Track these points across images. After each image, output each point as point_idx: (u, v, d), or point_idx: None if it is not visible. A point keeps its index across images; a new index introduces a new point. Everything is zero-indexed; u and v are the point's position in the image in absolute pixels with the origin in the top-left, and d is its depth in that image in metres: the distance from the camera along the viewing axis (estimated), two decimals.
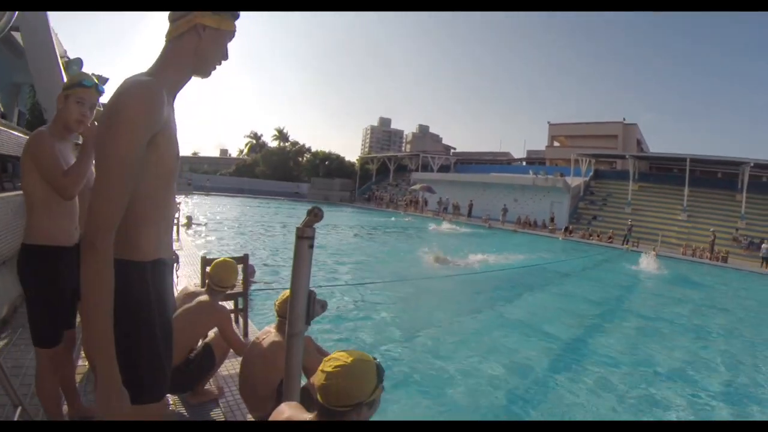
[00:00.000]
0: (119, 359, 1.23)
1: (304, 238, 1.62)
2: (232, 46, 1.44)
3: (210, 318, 2.82)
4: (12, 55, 9.00)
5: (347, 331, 5.85)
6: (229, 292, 4.19)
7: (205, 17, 1.32)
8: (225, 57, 1.41)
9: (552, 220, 26.91)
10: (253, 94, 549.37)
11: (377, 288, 8.28)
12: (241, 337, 4.03)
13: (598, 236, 22.81)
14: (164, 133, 1.25)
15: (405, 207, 34.68)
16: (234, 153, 62.51)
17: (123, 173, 1.17)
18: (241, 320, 4.35)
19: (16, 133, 4.35)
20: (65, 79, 3.67)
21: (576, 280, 11.97)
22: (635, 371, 5.22)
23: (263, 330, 2.68)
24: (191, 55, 1.34)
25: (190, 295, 3.07)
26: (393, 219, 27.34)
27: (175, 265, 1.49)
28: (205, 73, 1.40)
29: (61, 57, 8.16)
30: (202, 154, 62.99)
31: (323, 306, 1.68)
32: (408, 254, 12.69)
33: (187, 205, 21.86)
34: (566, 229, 24.74)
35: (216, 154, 70.63)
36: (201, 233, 13.26)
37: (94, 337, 1.17)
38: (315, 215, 1.57)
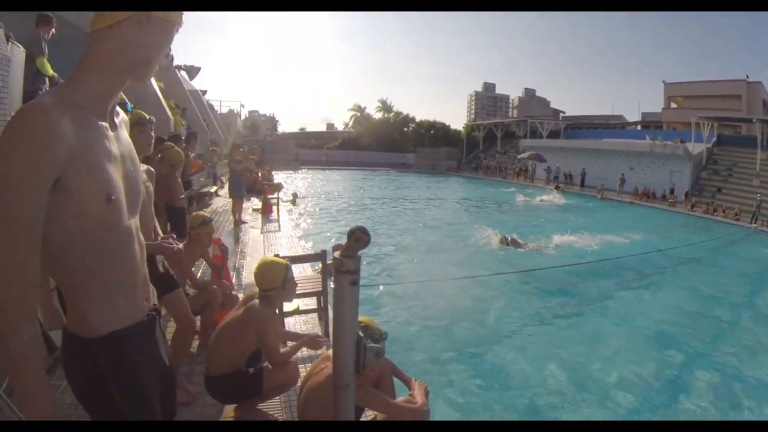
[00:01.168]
0: None
1: (345, 272, 1.14)
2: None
3: (251, 326, 2.54)
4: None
5: (415, 334, 5.60)
6: (309, 290, 4.29)
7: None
8: (168, 55, 1.11)
9: (672, 191, 25.98)
10: (356, 67, 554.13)
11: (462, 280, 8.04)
12: (326, 335, 3.96)
13: (724, 212, 21.91)
14: (77, 169, 0.94)
15: (515, 176, 35.50)
16: (339, 126, 66.47)
17: (16, 247, 0.89)
18: (323, 320, 4.28)
19: None
20: None
21: (697, 267, 11.16)
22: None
23: (323, 355, 2.44)
24: (127, 53, 1.01)
25: (248, 299, 2.76)
26: (504, 190, 27.08)
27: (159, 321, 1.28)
28: (145, 75, 1.09)
29: None
30: (309, 129, 67.85)
31: (378, 353, 1.29)
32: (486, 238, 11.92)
33: (294, 180, 24.33)
34: (686, 196, 24.08)
35: (322, 128, 75.53)
36: (303, 213, 14.23)
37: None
38: (357, 240, 1.12)
